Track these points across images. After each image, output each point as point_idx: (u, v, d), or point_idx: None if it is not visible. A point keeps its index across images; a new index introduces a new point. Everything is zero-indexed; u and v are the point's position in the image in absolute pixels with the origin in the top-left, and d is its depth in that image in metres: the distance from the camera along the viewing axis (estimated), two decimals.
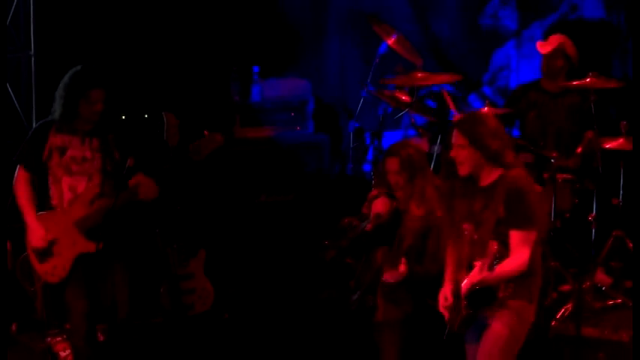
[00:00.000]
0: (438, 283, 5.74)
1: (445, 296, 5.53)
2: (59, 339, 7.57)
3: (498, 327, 5.43)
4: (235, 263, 8.58)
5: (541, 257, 5.56)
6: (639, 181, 7.25)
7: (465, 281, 5.39)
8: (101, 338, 6.90)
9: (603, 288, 7.81)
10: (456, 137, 5.45)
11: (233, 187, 9.17)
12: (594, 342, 7.13)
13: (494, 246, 5.31)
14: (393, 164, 6.45)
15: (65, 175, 6.46)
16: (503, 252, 5.36)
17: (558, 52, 8.18)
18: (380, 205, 6.47)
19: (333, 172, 10.09)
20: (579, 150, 7.91)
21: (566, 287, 7.65)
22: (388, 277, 6.32)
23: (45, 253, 6.43)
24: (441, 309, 5.55)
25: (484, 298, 5.42)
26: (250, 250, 8.73)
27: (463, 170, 5.45)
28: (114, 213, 6.39)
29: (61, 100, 6.42)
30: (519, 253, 5.35)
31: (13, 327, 7.87)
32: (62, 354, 7.46)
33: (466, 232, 5.50)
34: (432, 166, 8.14)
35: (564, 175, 7.76)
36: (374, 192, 6.72)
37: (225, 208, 9.02)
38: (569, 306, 7.38)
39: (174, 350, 7.54)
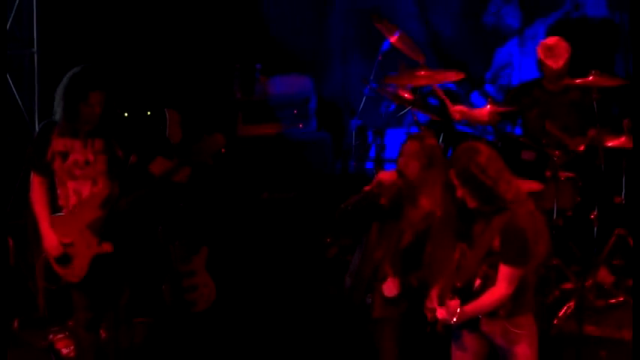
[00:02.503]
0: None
1: (431, 299, 5.58)
2: (61, 336, 7.59)
3: (523, 350, 5.51)
4: (237, 260, 8.59)
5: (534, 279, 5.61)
6: (637, 178, 7.27)
7: (441, 310, 5.46)
8: (103, 335, 6.91)
9: (605, 286, 7.81)
10: (452, 177, 5.47)
11: (235, 184, 9.17)
12: (596, 340, 7.14)
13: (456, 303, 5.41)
14: (412, 146, 6.38)
15: (69, 179, 6.47)
16: (493, 275, 5.43)
17: (568, 62, 8.13)
18: (386, 174, 6.43)
19: (336, 170, 10.09)
20: (582, 148, 7.90)
21: (568, 285, 7.66)
22: (386, 290, 6.32)
23: (62, 259, 6.47)
24: (426, 311, 5.60)
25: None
26: (252, 247, 8.73)
27: (470, 205, 5.47)
28: (120, 213, 6.43)
29: (61, 102, 6.41)
30: (502, 288, 5.40)
31: (15, 324, 7.88)
32: (64, 351, 7.48)
33: (460, 251, 5.54)
34: None
35: (566, 173, 7.75)
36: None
37: (227, 206, 9.02)
38: (572, 304, 7.39)
39: (176, 347, 7.54)
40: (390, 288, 6.28)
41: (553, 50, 8.10)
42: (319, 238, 8.62)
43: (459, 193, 5.44)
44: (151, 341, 7.61)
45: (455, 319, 5.40)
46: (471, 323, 5.55)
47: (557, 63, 8.06)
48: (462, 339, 5.65)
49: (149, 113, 8.78)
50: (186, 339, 7.62)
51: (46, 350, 7.58)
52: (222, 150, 6.61)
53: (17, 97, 9.04)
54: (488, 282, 5.45)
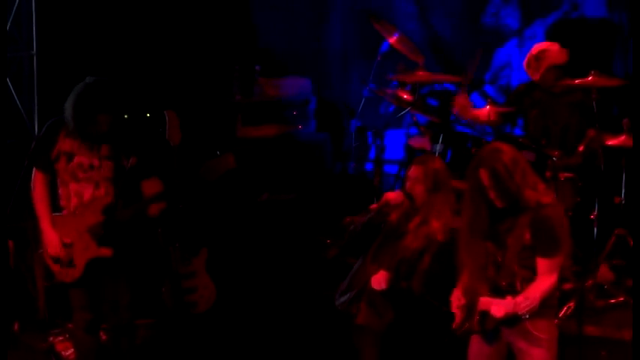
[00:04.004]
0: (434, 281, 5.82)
1: (458, 297, 5.59)
2: (61, 338, 7.59)
3: (541, 353, 5.54)
4: (237, 262, 8.59)
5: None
6: (637, 178, 7.26)
7: (495, 306, 5.42)
8: (104, 337, 6.91)
9: (605, 286, 7.81)
10: (483, 177, 5.49)
11: (235, 185, 9.17)
12: (596, 340, 7.13)
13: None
14: (415, 171, 6.48)
15: (72, 180, 6.47)
16: (528, 276, 5.45)
17: (548, 72, 8.18)
18: (392, 194, 6.50)
19: (335, 171, 10.09)
20: (581, 148, 7.91)
21: (568, 286, 7.65)
22: (375, 283, 6.34)
23: (56, 261, 6.48)
24: (454, 309, 5.59)
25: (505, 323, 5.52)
26: (252, 248, 8.73)
27: (499, 205, 5.49)
28: (120, 223, 6.45)
29: (70, 113, 6.38)
30: (547, 279, 5.44)
31: (16, 326, 7.88)
32: (64, 353, 7.47)
33: (489, 250, 5.55)
34: None
35: (566, 174, 7.75)
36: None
37: (227, 207, 9.02)
38: (572, 304, 7.39)
39: (176, 349, 7.54)
40: (379, 281, 6.31)
41: (531, 63, 8.23)
42: (319, 240, 8.62)
43: (491, 194, 5.46)
44: (151, 343, 7.60)
45: (530, 312, 5.38)
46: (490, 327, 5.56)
47: (534, 75, 8.19)
48: (480, 339, 5.65)
49: (148, 115, 8.79)
50: (186, 340, 7.62)
51: (47, 352, 7.58)
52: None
53: (16, 99, 9.04)
54: (516, 279, 5.47)
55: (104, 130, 6.39)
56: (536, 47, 8.34)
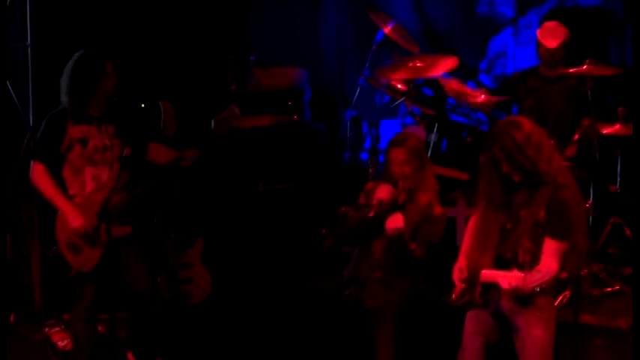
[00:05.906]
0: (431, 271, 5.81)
1: (461, 269, 5.59)
2: (57, 329, 7.59)
3: (539, 332, 5.58)
4: (233, 252, 8.58)
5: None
6: (637, 167, 7.26)
7: (502, 278, 5.39)
8: (101, 329, 6.91)
9: (601, 275, 7.82)
10: (496, 153, 5.50)
11: (230, 176, 9.16)
12: (592, 329, 7.14)
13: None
14: (399, 154, 6.43)
15: (88, 165, 6.48)
16: (536, 252, 5.46)
17: (564, 44, 8.17)
18: (384, 192, 6.46)
19: (331, 161, 10.07)
20: (576, 137, 7.91)
21: (563, 275, 7.65)
22: (391, 225, 6.29)
23: (87, 238, 6.43)
24: (455, 279, 5.60)
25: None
26: (248, 239, 8.72)
27: (515, 179, 5.50)
28: (134, 199, 6.49)
29: (75, 83, 6.40)
30: (550, 262, 5.42)
31: (12, 317, 7.88)
32: (60, 344, 7.48)
33: (500, 219, 5.55)
34: (429, 153, 8.16)
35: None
36: (370, 184, 6.73)
37: (222, 198, 9.02)
38: (567, 293, 7.39)
39: (172, 339, 7.54)
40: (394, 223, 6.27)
41: (551, 31, 8.19)
42: (315, 230, 8.62)
43: (504, 168, 5.47)
44: (146, 333, 7.60)
45: (540, 286, 5.34)
46: (490, 300, 5.56)
47: (551, 43, 8.12)
48: (477, 316, 5.66)
49: (143, 106, 8.77)
50: (182, 331, 7.62)
51: (42, 343, 7.58)
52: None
53: (11, 90, 9.01)
54: (520, 251, 5.50)
55: (114, 83, 6.42)
56: (556, 22, 8.33)
